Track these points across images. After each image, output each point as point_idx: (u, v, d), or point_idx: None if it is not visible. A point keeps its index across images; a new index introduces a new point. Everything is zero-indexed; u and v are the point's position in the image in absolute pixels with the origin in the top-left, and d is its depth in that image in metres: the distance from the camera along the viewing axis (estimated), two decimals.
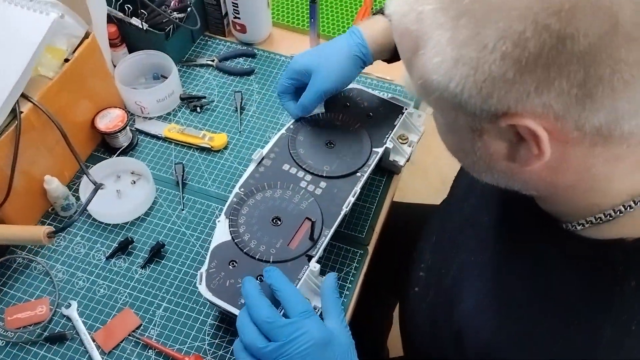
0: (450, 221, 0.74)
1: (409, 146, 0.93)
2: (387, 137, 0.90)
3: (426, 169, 2.01)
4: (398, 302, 1.16)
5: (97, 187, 0.78)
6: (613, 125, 0.40)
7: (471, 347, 0.59)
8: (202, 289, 0.75)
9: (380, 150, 0.89)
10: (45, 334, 0.79)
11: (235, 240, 0.79)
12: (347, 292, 0.84)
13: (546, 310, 0.53)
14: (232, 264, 0.77)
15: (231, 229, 0.80)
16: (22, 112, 0.81)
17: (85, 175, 0.88)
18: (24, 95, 0.82)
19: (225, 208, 0.82)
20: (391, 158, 0.92)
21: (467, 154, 0.49)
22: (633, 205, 0.48)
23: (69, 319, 0.81)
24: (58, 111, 0.87)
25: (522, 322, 0.55)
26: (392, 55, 0.87)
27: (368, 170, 0.87)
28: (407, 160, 0.94)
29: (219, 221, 0.81)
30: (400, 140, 0.94)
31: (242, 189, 0.84)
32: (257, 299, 0.66)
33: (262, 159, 0.87)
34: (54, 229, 0.71)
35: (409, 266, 0.84)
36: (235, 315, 0.72)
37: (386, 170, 0.97)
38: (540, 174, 0.46)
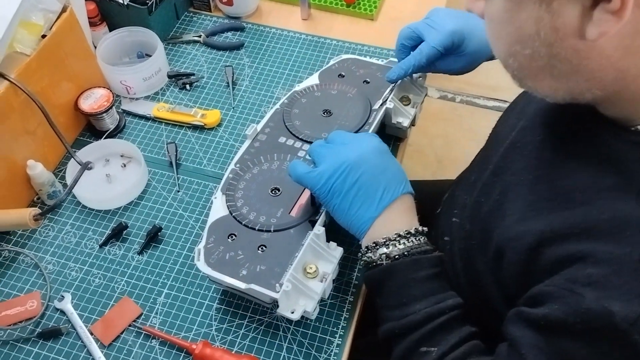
0: (491, 157, 0.71)
1: (412, 107, 0.89)
2: (387, 97, 0.85)
3: (422, 149, 1.97)
4: None
5: (84, 166, 0.72)
6: None
7: (514, 255, 0.57)
8: (201, 264, 0.70)
9: (381, 109, 0.84)
10: (38, 329, 0.73)
11: (234, 214, 0.74)
12: (352, 297, 0.79)
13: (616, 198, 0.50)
14: (231, 237, 0.72)
15: (228, 204, 0.75)
16: None
17: (72, 159, 0.81)
18: (0, 74, 0.76)
19: (221, 184, 0.77)
20: (394, 120, 0.87)
21: (527, 44, 0.46)
22: None
23: (63, 312, 0.75)
24: (38, 91, 0.81)
25: (580, 213, 0.51)
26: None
27: (370, 128, 0.82)
28: (412, 123, 0.89)
29: (215, 198, 0.76)
30: (403, 103, 0.89)
31: (237, 165, 0.79)
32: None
33: (257, 134, 0.82)
34: (41, 211, 0.65)
35: (434, 223, 0.82)
36: (239, 289, 0.68)
37: (391, 138, 0.92)
38: (610, 57, 0.43)
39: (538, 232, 0.54)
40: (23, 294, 0.76)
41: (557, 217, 0.53)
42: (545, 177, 0.58)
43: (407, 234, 0.64)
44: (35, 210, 0.64)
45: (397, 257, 0.63)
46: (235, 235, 0.72)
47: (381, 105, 0.84)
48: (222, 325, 0.74)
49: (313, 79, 0.91)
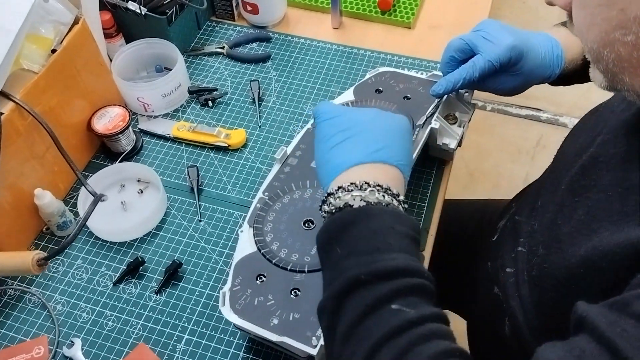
0: (562, 178, 0.63)
1: (460, 126, 0.80)
2: (432, 113, 0.76)
3: (453, 164, 1.87)
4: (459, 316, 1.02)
5: (97, 198, 0.64)
6: None
7: (613, 268, 0.49)
8: (226, 311, 0.61)
9: (426, 129, 0.75)
10: None
11: (262, 251, 0.66)
12: None
13: None
14: (260, 278, 0.64)
15: (256, 239, 0.67)
16: (1, 114, 0.67)
17: (83, 186, 0.74)
18: (3, 94, 0.68)
19: (248, 216, 0.69)
20: (440, 141, 0.78)
21: (630, 29, 0.41)
22: None
23: None
24: (47, 112, 0.73)
25: None
26: (570, 75, 0.75)
27: (415, 151, 0.73)
28: (459, 144, 0.80)
29: (241, 231, 0.68)
30: (449, 121, 0.80)
31: (266, 193, 0.71)
32: None
33: (287, 157, 0.74)
34: (45, 255, 0.57)
35: (489, 251, 0.74)
36: (268, 340, 0.59)
37: (434, 160, 0.83)
38: None
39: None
40: (29, 339, 0.69)
41: None
42: (637, 187, 0.51)
43: (389, 192, 0.53)
44: (39, 255, 0.56)
45: (374, 203, 0.51)
46: (265, 277, 0.64)
47: (425, 121, 0.75)
48: None
49: (347, 95, 0.82)
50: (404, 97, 0.81)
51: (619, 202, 0.52)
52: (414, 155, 0.73)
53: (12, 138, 0.69)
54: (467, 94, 0.81)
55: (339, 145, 0.57)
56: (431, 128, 0.75)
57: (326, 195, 0.54)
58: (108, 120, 0.82)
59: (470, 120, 0.81)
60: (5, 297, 0.72)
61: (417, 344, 0.42)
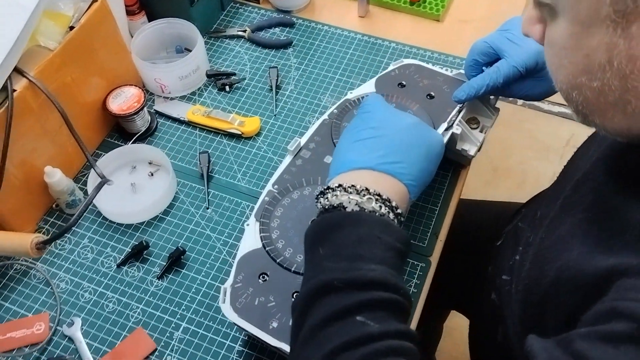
0: (562, 191, 0.61)
1: (481, 131, 0.77)
2: (454, 120, 0.74)
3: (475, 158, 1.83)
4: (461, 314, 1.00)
5: (103, 182, 0.64)
6: None
7: (579, 290, 0.48)
8: (226, 308, 0.61)
9: (447, 134, 0.73)
10: (43, 357, 0.66)
11: (267, 248, 0.65)
12: None
13: None
14: (263, 277, 0.63)
15: (262, 235, 0.66)
16: (15, 91, 0.67)
17: (93, 163, 0.74)
18: (18, 70, 0.68)
19: (255, 209, 0.67)
20: (459, 147, 0.75)
21: (595, 75, 0.40)
22: None
23: (71, 339, 0.67)
24: (61, 89, 0.73)
25: None
26: None
27: None
28: (479, 149, 0.77)
29: (247, 225, 0.67)
30: (470, 125, 0.77)
31: (275, 186, 0.69)
32: None
33: (300, 149, 0.72)
34: (45, 239, 0.57)
35: (492, 256, 0.73)
36: (265, 342, 0.58)
37: (451, 163, 0.80)
38: None
39: (609, 267, 0.45)
40: (31, 314, 0.70)
41: (631, 252, 0.45)
42: (616, 211, 0.49)
43: (389, 204, 0.52)
44: (39, 238, 0.56)
45: (369, 211, 0.51)
46: (268, 276, 0.63)
47: (446, 130, 0.73)
48: None
49: (368, 86, 0.80)
50: (427, 95, 0.78)
51: (597, 225, 0.50)
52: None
53: (24, 115, 0.69)
54: (492, 97, 0.78)
55: (361, 141, 0.57)
56: (452, 132, 0.73)
57: (326, 188, 0.53)
58: (123, 101, 0.82)
59: (492, 125, 0.78)
60: (12, 271, 0.73)
61: (371, 359, 0.42)
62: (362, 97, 0.78)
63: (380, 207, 0.51)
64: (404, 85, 0.80)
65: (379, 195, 0.51)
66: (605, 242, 0.48)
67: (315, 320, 0.46)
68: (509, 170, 1.82)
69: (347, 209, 0.51)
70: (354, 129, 0.59)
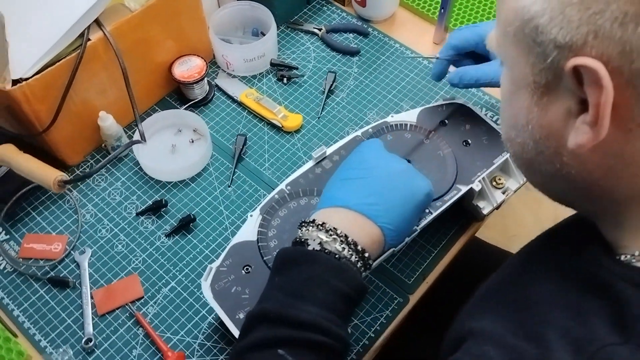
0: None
1: (503, 193, 0.76)
2: (478, 176, 0.74)
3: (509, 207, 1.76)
4: None
5: (132, 142, 0.71)
6: None
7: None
8: (205, 286, 0.66)
9: (464, 189, 0.73)
10: (52, 273, 0.76)
11: (260, 244, 0.69)
12: (368, 341, 0.71)
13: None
14: (247, 269, 0.68)
15: (260, 229, 0.71)
16: (89, 40, 0.75)
17: (141, 121, 0.82)
18: (97, 22, 0.76)
19: (262, 203, 0.72)
20: (475, 202, 0.76)
21: (519, 133, 0.43)
22: None
23: (78, 265, 0.77)
24: (135, 46, 0.81)
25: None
26: None
27: (439, 209, 0.71)
28: (496, 209, 0.77)
29: (251, 215, 0.71)
30: (494, 184, 0.77)
31: (288, 187, 0.74)
32: None
33: (324, 159, 0.76)
34: (67, 179, 0.66)
35: None
36: (228, 329, 0.63)
37: (466, 214, 0.80)
38: (592, 172, 0.40)
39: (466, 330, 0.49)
40: (55, 234, 0.79)
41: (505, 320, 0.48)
42: (520, 280, 0.52)
43: (355, 247, 0.54)
44: (63, 177, 0.65)
45: (328, 252, 0.54)
46: (251, 269, 0.68)
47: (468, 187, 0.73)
48: (206, 343, 0.71)
49: (411, 115, 0.81)
50: (464, 142, 0.78)
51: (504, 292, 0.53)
52: (440, 210, 0.71)
53: (93, 62, 0.77)
54: None
55: (348, 180, 0.60)
56: (471, 187, 0.73)
57: (305, 220, 0.57)
58: (187, 69, 0.89)
59: (517, 190, 0.77)
60: (51, 192, 0.83)
61: None
62: (402, 125, 0.79)
63: (344, 248, 0.54)
64: (446, 124, 0.80)
65: (345, 237, 0.54)
66: (477, 307, 0.52)
67: (245, 343, 0.51)
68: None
69: (309, 247, 0.54)
70: (344, 167, 0.62)
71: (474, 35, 0.73)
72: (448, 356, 0.46)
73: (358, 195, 0.58)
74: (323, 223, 0.55)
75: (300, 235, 0.56)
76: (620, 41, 0.33)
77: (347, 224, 0.55)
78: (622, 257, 0.42)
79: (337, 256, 0.54)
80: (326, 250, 0.54)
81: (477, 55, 0.77)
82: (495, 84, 0.71)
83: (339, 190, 0.59)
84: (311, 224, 0.56)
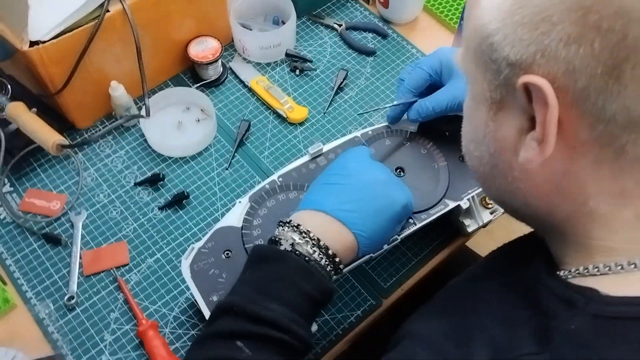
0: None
1: (491, 213, 0.76)
2: (468, 194, 0.74)
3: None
4: None
5: (133, 116, 0.74)
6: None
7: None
8: (185, 264, 0.69)
9: (451, 205, 0.74)
10: (47, 229, 0.80)
11: (243, 231, 0.71)
12: (335, 337, 0.73)
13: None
14: (227, 253, 0.70)
15: (246, 217, 0.72)
16: (108, 11, 0.78)
17: (149, 97, 0.84)
18: None
19: (252, 191, 0.74)
20: (461, 218, 0.76)
21: (477, 146, 0.46)
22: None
23: (72, 226, 0.80)
24: (154, 21, 0.84)
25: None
26: None
27: (423, 222, 0.72)
28: (482, 227, 0.77)
29: (239, 202, 0.73)
30: (483, 203, 0.77)
31: (280, 179, 0.75)
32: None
33: (319, 155, 0.77)
34: (64, 144, 0.69)
35: None
36: (200, 309, 0.66)
37: (452, 227, 0.81)
38: (540, 188, 0.42)
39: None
40: (55, 192, 0.83)
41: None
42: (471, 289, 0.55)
43: (327, 251, 0.56)
44: (63, 141, 0.68)
45: (298, 253, 0.55)
46: (231, 254, 0.70)
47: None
48: (180, 317, 0.74)
49: (414, 125, 0.81)
50: (460, 157, 0.78)
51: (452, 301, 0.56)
52: (424, 222, 0.72)
53: (110, 33, 0.80)
54: None
55: (329, 185, 0.62)
56: (458, 204, 0.73)
57: (283, 220, 0.59)
58: (202, 49, 0.91)
59: (504, 213, 0.77)
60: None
61: None
62: (402, 131, 0.80)
63: (315, 251, 0.56)
64: (446, 136, 0.80)
65: (317, 240, 0.56)
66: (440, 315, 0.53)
67: (209, 331, 0.54)
68: None
69: (281, 247, 0.56)
70: (327, 172, 0.64)
71: (423, 73, 0.72)
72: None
73: (336, 200, 0.59)
74: (298, 225, 0.57)
75: (277, 234, 0.58)
76: (565, 61, 0.35)
77: (322, 228, 0.57)
78: (562, 273, 0.43)
79: (306, 258, 0.55)
80: (297, 252, 0.55)
81: (434, 86, 0.75)
82: (451, 111, 0.71)
83: (318, 193, 0.61)
84: (287, 224, 0.58)
